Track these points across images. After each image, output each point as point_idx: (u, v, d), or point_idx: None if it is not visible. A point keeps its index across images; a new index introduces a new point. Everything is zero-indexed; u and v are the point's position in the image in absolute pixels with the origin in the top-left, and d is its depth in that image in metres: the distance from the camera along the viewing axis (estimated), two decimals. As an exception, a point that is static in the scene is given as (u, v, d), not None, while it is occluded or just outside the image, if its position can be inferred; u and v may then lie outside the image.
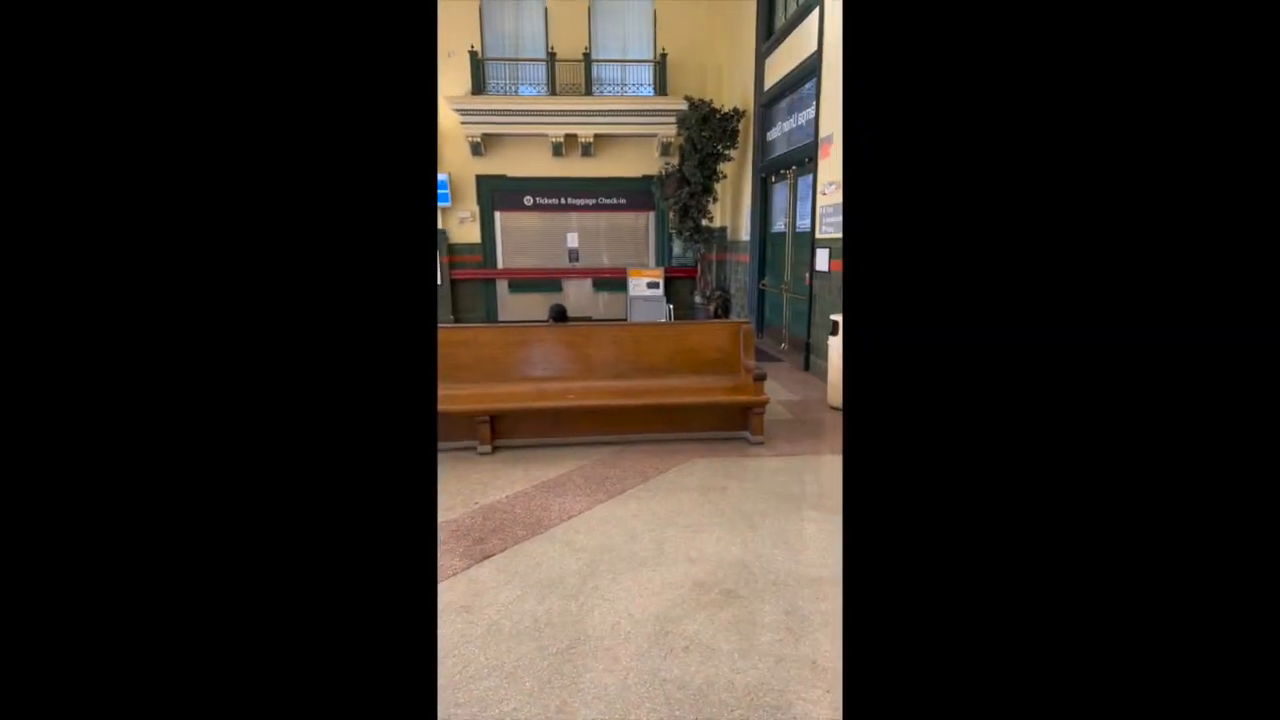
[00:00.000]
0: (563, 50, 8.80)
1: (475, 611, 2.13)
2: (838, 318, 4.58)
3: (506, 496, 3.11)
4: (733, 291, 8.80)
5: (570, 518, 2.87)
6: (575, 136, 8.99)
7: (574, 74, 8.92)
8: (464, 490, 3.18)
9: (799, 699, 1.72)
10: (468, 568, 2.42)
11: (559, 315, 4.77)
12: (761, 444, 3.87)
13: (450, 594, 2.24)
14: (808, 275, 5.85)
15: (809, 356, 5.87)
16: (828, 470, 3.50)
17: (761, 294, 7.76)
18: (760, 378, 3.89)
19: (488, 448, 3.74)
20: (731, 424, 3.99)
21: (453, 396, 3.73)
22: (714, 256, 9.32)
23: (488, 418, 3.71)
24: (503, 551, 2.55)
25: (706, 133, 7.80)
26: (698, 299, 9.04)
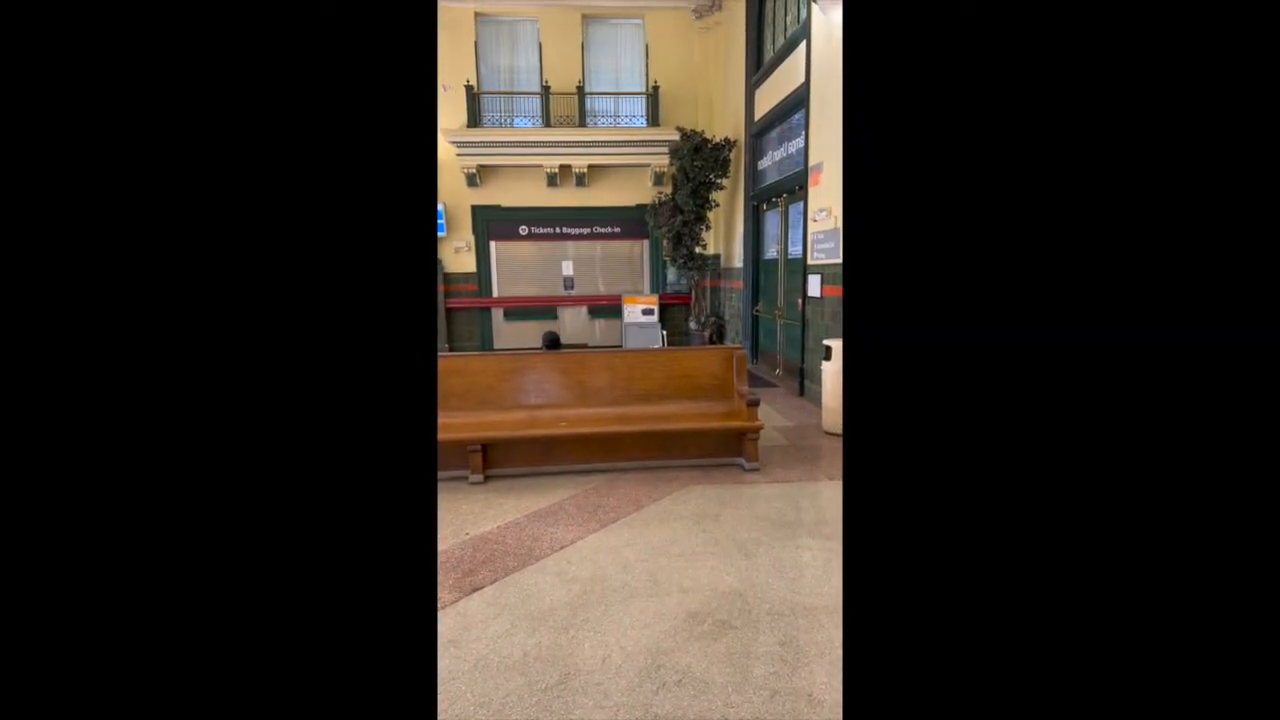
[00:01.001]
0: (557, 83, 8.97)
1: (463, 646, 2.08)
2: (830, 343, 4.59)
3: (497, 527, 3.06)
4: (727, 317, 8.83)
5: (562, 548, 2.82)
6: (569, 167, 9.11)
7: (568, 106, 9.07)
8: (455, 521, 3.14)
9: (795, 734, 1.67)
10: (456, 601, 2.37)
11: (552, 343, 4.77)
12: (757, 470, 3.84)
13: (438, 628, 2.19)
14: (800, 301, 5.88)
15: (803, 382, 5.86)
16: (824, 496, 3.46)
17: (755, 320, 7.78)
18: (754, 403, 3.87)
19: (479, 477, 3.70)
20: (726, 450, 3.96)
21: (445, 425, 3.70)
22: (708, 283, 9.37)
23: (480, 446, 3.68)
24: (493, 583, 2.50)
25: (699, 162, 7.92)
26: (692, 325, 9.07)
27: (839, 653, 2.02)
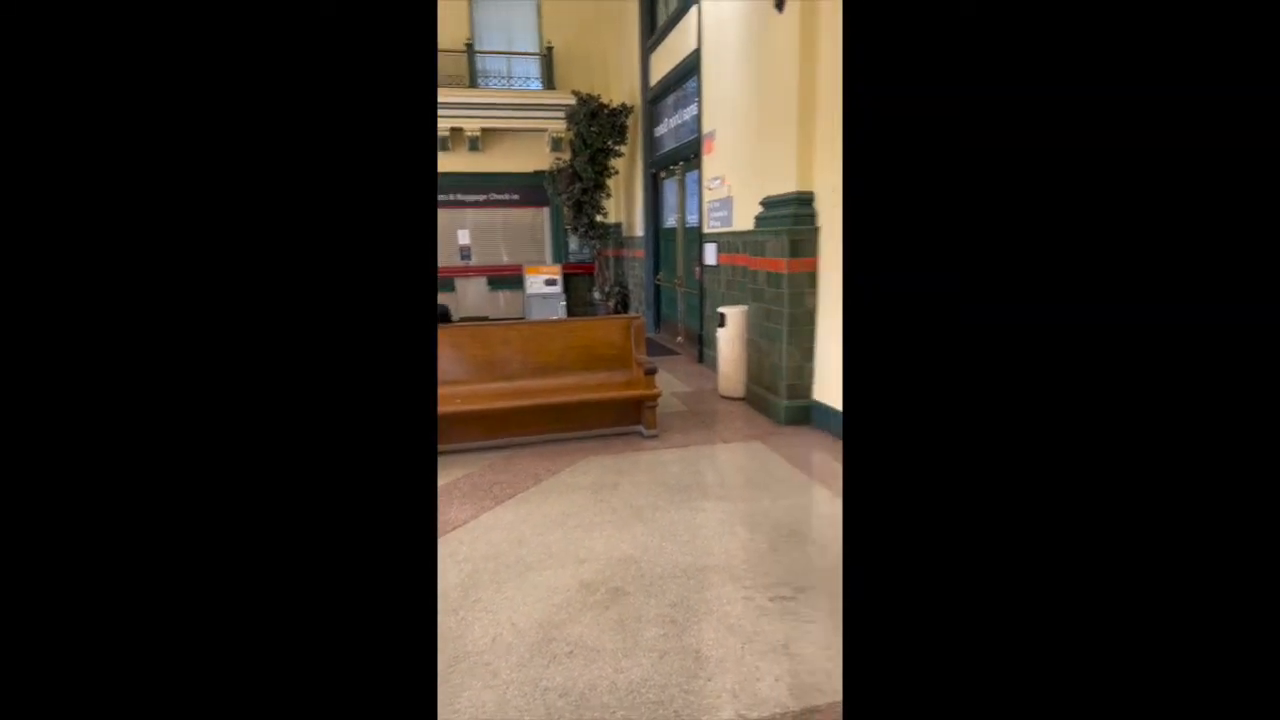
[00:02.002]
0: (443, 40, 8.45)
1: (344, 639, 1.98)
2: (725, 310, 4.69)
3: (386, 511, 2.93)
4: (631, 287, 8.84)
5: (454, 528, 2.74)
6: (461, 130, 8.67)
7: (456, 65, 8.59)
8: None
9: (681, 691, 1.72)
10: (338, 592, 2.25)
11: (441, 317, 4.57)
12: (655, 437, 3.89)
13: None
14: (698, 270, 5.96)
15: (702, 349, 5.99)
16: (721, 459, 3.57)
17: (658, 289, 7.84)
18: (651, 371, 3.90)
19: (368, 460, 3.51)
20: (626, 419, 3.98)
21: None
22: (611, 252, 9.32)
23: (366, 428, 3.49)
24: (379, 570, 2.39)
25: (595, 128, 7.77)
26: (596, 295, 9.01)
27: (728, 608, 2.10)
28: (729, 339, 4.67)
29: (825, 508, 2.90)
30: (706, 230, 5.74)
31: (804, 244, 3.90)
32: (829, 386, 3.92)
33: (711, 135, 5.52)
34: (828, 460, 3.47)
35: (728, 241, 5.19)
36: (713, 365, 5.44)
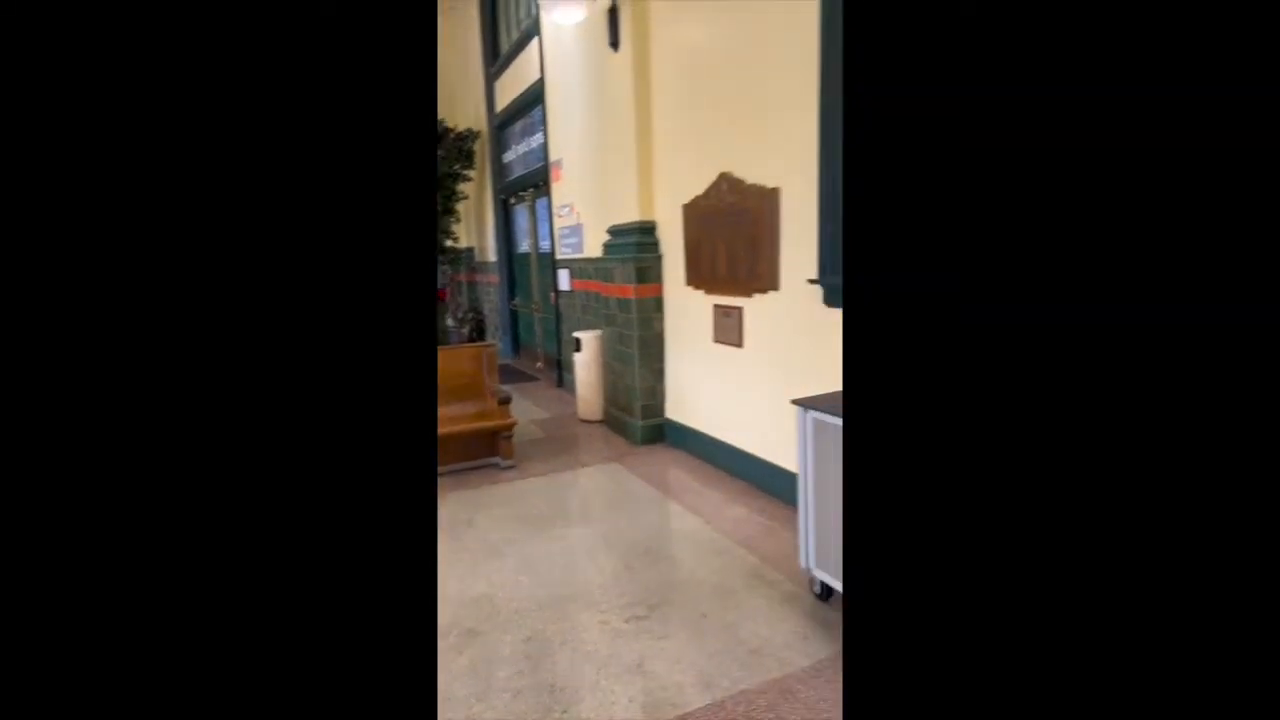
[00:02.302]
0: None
1: None
2: (580, 335, 4.76)
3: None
4: (486, 313, 8.65)
5: (287, 588, 2.49)
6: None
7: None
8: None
9: (536, 728, 1.70)
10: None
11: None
12: (513, 468, 3.83)
13: None
14: (553, 295, 5.99)
15: (561, 373, 6.01)
16: (580, 484, 3.59)
17: (515, 314, 7.75)
18: (505, 401, 3.84)
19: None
20: (481, 452, 3.88)
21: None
22: (463, 278, 9.07)
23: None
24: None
25: (442, 152, 7.57)
26: (450, 322, 8.70)
27: (584, 635, 2.11)
28: (585, 363, 4.74)
29: (678, 523, 3.02)
30: (559, 256, 5.79)
31: (649, 270, 4.08)
32: (679, 405, 4.10)
33: (558, 164, 5.61)
34: (681, 476, 3.62)
35: (580, 268, 5.28)
36: (572, 389, 5.47)
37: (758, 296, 3.22)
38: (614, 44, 3.98)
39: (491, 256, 8.11)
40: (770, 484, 3.25)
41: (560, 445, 4.30)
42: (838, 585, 2.12)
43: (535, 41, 5.82)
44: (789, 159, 2.89)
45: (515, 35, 6.64)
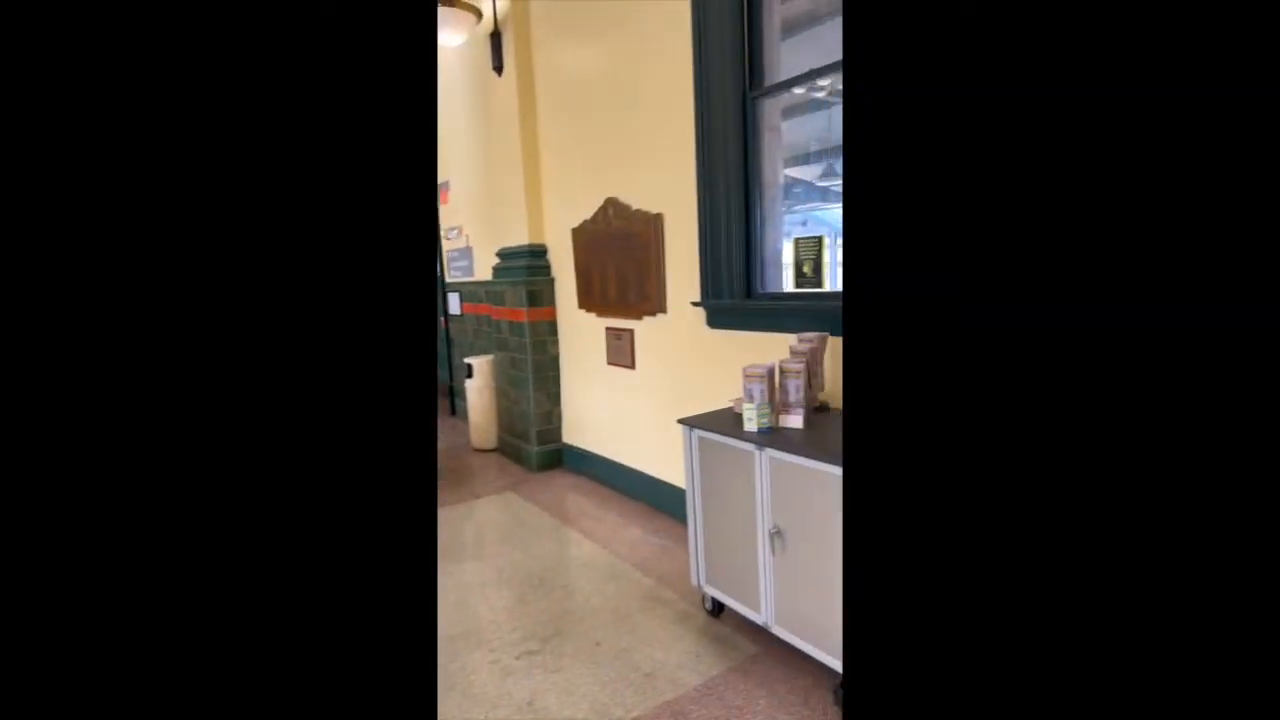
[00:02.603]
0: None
1: None
2: (471, 360, 4.62)
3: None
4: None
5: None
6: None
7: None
8: None
9: (418, 785, 1.59)
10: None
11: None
12: (401, 503, 3.63)
13: None
14: (444, 319, 5.79)
15: (454, 400, 5.80)
16: (475, 515, 3.46)
17: (404, 340, 7.41)
18: (391, 433, 3.65)
19: None
20: (365, 488, 3.64)
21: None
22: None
23: None
24: None
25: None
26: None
27: (473, 677, 2.01)
28: (478, 389, 4.60)
29: (575, 550, 2.98)
30: (449, 280, 5.62)
31: (541, 294, 4.04)
32: (576, 429, 4.07)
33: (446, 186, 5.47)
34: (579, 500, 3.58)
35: (470, 291, 5.14)
36: (465, 417, 5.29)
37: (647, 319, 3.28)
38: (498, 68, 3.96)
39: (378, 280, 7.73)
40: (666, 503, 3.29)
41: (453, 477, 4.13)
42: (728, 601, 2.16)
43: (419, 61, 5.67)
44: (672, 186, 2.98)
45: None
